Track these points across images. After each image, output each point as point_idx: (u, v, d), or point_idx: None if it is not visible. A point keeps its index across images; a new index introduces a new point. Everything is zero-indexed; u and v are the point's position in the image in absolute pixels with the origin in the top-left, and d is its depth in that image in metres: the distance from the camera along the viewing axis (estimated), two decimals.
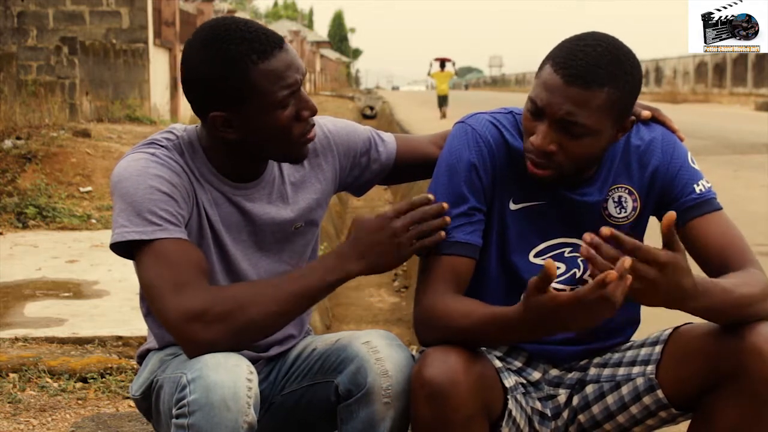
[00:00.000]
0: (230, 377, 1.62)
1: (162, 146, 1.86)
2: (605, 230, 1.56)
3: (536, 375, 1.94)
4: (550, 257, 1.91)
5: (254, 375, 1.66)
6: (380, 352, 1.80)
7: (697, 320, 1.80)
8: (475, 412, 1.70)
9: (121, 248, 1.79)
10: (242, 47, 1.75)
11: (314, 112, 1.85)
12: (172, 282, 1.71)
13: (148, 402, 1.91)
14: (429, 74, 25.64)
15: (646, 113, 1.95)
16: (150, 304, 1.76)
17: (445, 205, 1.84)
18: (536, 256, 1.91)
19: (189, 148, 1.88)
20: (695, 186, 1.90)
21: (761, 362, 1.68)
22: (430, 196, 1.85)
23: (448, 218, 1.84)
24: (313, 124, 1.88)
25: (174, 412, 1.65)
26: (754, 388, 1.69)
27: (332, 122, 2.09)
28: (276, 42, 1.78)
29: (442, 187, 1.88)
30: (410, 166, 2.14)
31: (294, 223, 1.98)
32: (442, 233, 1.83)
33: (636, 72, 1.79)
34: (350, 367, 1.82)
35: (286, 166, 1.98)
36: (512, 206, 1.90)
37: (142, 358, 2.01)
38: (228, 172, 1.90)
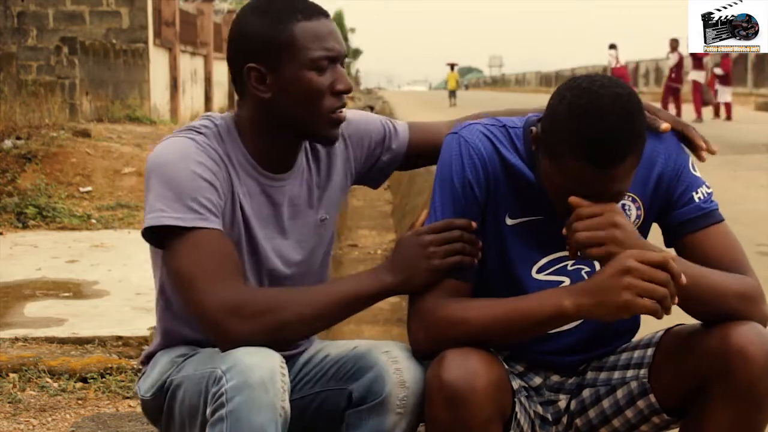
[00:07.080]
0: (266, 362, 1.63)
1: (201, 133, 1.84)
2: None
3: (537, 380, 1.93)
4: (553, 272, 1.87)
5: (285, 368, 1.67)
6: (399, 363, 1.78)
7: (690, 321, 1.79)
8: (492, 415, 1.68)
9: (152, 234, 1.76)
10: (290, 5, 1.82)
11: (349, 89, 1.85)
12: (211, 272, 1.69)
13: (159, 403, 1.87)
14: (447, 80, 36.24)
15: (665, 126, 1.87)
16: (183, 293, 1.73)
17: (474, 224, 1.81)
18: (539, 271, 1.87)
19: (227, 135, 1.87)
20: (694, 194, 1.84)
21: (746, 363, 1.66)
22: (473, 224, 1.81)
23: (480, 243, 1.81)
24: (344, 104, 1.87)
25: (209, 409, 1.64)
26: (741, 391, 1.67)
27: (350, 112, 2.07)
28: (322, 11, 1.84)
29: (439, 202, 1.83)
30: (424, 152, 2.11)
31: (320, 216, 1.97)
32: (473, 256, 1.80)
33: (637, 102, 1.68)
34: (368, 374, 1.80)
35: (313, 157, 1.97)
36: (509, 221, 1.86)
37: (148, 359, 1.98)
38: (262, 159, 1.88)
